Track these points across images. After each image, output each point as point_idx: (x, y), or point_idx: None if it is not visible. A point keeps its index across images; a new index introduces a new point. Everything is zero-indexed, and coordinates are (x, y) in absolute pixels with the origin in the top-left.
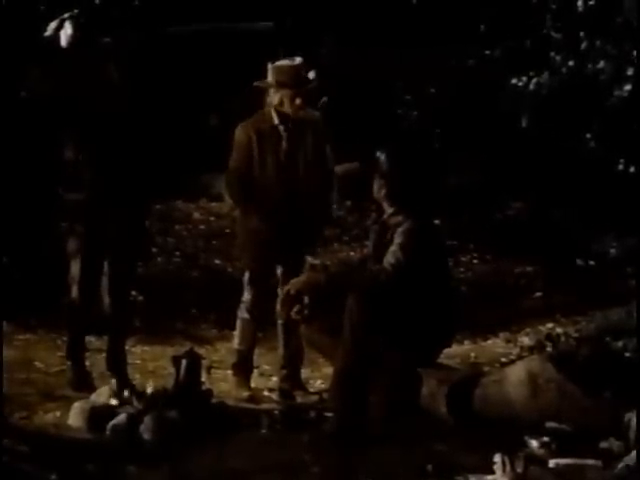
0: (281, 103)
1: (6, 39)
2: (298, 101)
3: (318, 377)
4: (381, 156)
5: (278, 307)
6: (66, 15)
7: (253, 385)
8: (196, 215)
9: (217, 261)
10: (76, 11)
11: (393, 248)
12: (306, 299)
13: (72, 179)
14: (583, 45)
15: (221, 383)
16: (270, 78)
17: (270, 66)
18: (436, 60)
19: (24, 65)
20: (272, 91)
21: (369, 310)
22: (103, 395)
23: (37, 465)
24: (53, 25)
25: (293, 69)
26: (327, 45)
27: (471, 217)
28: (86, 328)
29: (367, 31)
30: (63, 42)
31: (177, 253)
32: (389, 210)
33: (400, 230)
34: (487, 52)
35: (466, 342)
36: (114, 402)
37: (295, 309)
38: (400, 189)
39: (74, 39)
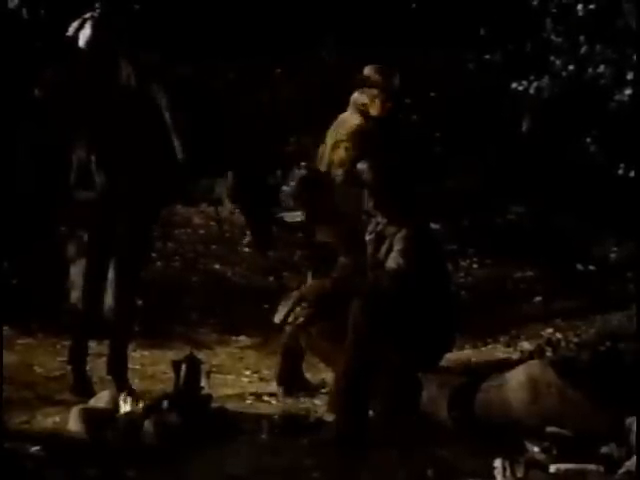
0: (365, 105)
1: (23, 38)
2: (389, 104)
3: (319, 382)
4: (362, 167)
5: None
6: (87, 15)
7: (253, 390)
8: (196, 219)
9: (217, 266)
10: (97, 11)
11: (393, 255)
12: (298, 311)
13: (84, 179)
14: (583, 49)
15: (221, 388)
16: (376, 77)
17: (374, 66)
18: (436, 64)
19: (40, 63)
20: (362, 92)
21: (372, 316)
22: (103, 400)
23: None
24: (75, 25)
25: (392, 73)
26: (327, 47)
27: (471, 221)
28: (88, 332)
29: (367, 34)
30: (81, 42)
31: (177, 257)
32: (383, 220)
33: (398, 237)
34: (487, 56)
35: (466, 347)
36: (114, 407)
37: (292, 316)
38: (387, 199)
39: (92, 40)
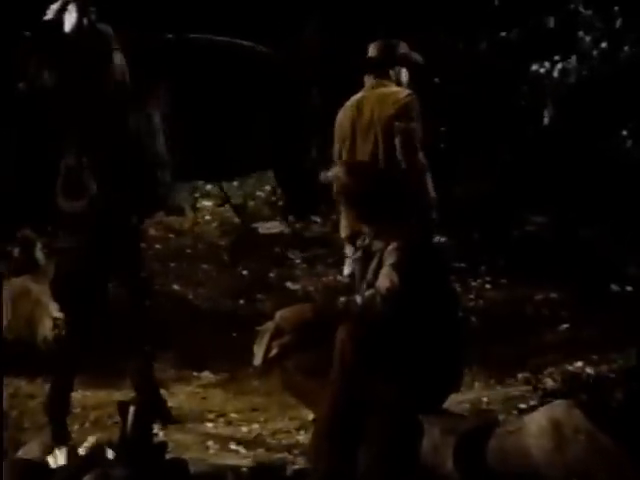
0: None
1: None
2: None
3: (297, 427)
4: (335, 173)
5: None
6: None
7: (217, 437)
8: (151, 231)
9: (176, 287)
10: None
11: (385, 271)
12: (274, 344)
13: (73, 186)
14: (617, 23)
15: (178, 434)
16: (416, 55)
17: (403, 44)
18: (441, 44)
19: (23, 52)
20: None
21: (362, 344)
22: (34, 450)
23: None
24: (55, 7)
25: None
26: (311, 28)
27: (483, 234)
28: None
29: (358, 12)
30: (67, 27)
31: None
32: (370, 234)
33: (390, 249)
34: (502, 34)
35: (477, 384)
36: (48, 459)
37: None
38: (369, 207)
39: (80, 24)
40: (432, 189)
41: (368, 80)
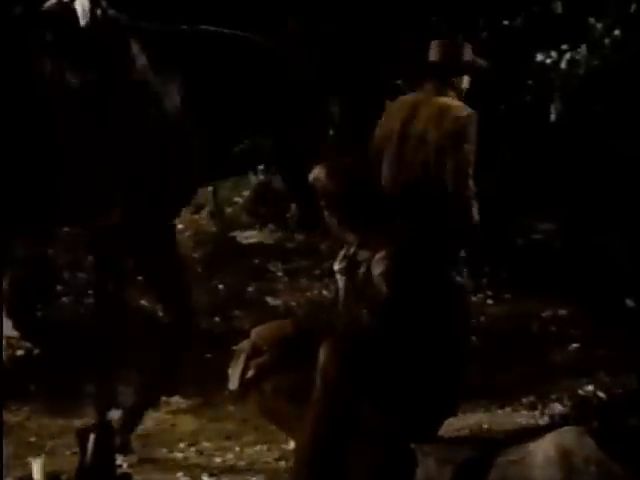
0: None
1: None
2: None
3: (277, 456)
4: (315, 175)
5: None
6: None
7: (188, 468)
8: None
9: (144, 302)
10: None
11: (373, 281)
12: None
13: (101, 199)
14: (632, 8)
15: (145, 465)
16: (481, 61)
17: (468, 47)
18: (438, 34)
19: (38, 52)
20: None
21: (348, 362)
22: None
23: None
24: None
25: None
26: (293, 21)
27: (484, 243)
28: None
29: (352, 2)
30: (82, 20)
31: (90, 292)
32: (354, 242)
33: (377, 258)
34: (505, 21)
35: (477, 409)
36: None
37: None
38: (353, 211)
39: (94, 15)
40: (477, 214)
41: (427, 84)
